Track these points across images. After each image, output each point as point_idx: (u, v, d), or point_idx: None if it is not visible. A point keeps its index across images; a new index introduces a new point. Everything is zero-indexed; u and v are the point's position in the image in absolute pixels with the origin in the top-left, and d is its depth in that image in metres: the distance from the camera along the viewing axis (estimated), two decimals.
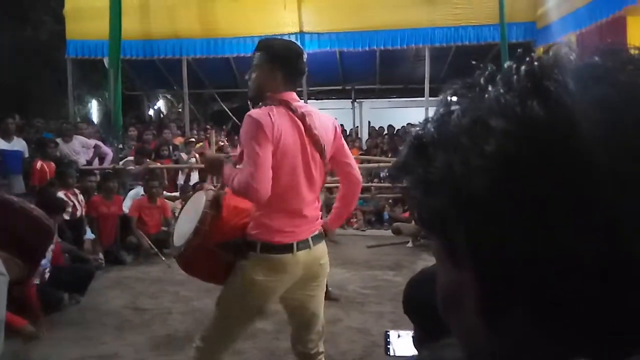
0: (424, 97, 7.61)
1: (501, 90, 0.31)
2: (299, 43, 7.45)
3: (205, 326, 2.01)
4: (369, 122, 11.92)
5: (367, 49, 7.45)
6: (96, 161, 6.75)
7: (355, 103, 11.42)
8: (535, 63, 0.32)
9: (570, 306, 0.30)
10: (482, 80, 0.33)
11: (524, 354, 0.32)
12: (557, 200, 0.29)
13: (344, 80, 10.13)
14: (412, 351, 1.28)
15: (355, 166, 2.09)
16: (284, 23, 7.20)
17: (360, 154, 8.83)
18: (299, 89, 8.23)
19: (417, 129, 0.35)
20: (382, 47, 7.51)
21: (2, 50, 7.99)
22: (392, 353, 1.37)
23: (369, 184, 8.12)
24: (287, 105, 1.86)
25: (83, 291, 3.96)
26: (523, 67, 0.32)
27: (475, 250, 0.31)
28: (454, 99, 0.34)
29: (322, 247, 1.99)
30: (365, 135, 11.21)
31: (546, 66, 0.31)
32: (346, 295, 4.20)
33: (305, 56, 1.96)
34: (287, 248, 1.87)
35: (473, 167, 0.30)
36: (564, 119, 0.29)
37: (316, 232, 1.96)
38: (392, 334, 1.37)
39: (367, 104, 12.17)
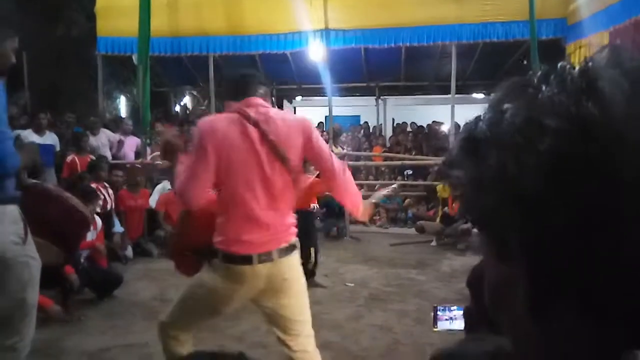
0: (449, 94, 7.50)
1: (555, 90, 0.32)
2: (323, 40, 7.37)
3: (169, 311, 2.06)
4: (393, 119, 11.84)
5: (392, 45, 7.39)
6: (129, 155, 6.88)
7: (380, 100, 11.36)
8: (589, 63, 0.32)
9: (619, 300, 0.30)
10: (535, 80, 0.34)
11: (573, 345, 0.32)
12: (610, 199, 0.29)
13: (368, 77, 10.07)
14: (459, 326, 1.29)
15: (330, 158, 1.99)
16: (309, 20, 7.20)
17: (384, 151, 8.79)
18: (317, 85, 8.20)
19: (469, 126, 0.36)
20: (407, 44, 7.43)
21: (36, 47, 8.22)
22: (439, 328, 1.40)
23: (393, 182, 8.08)
24: (242, 112, 1.86)
25: (107, 295, 4.02)
26: (577, 67, 0.32)
27: (528, 246, 0.32)
28: (507, 97, 0.35)
29: (288, 261, 1.92)
30: (389, 133, 11.14)
31: (599, 66, 0.32)
32: (369, 293, 4.21)
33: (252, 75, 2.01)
34: (246, 259, 1.84)
35: (527, 165, 0.31)
36: (618, 118, 0.29)
37: (282, 245, 1.90)
38: (440, 308, 1.39)
39: (392, 101, 12.09)
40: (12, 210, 1.95)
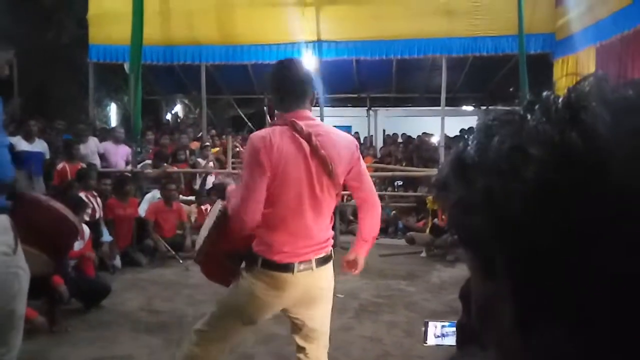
0: (439, 106, 7.59)
1: (540, 120, 0.33)
2: (315, 51, 7.44)
3: (204, 319, 2.02)
4: (384, 130, 11.93)
5: (384, 57, 7.47)
6: (120, 164, 6.82)
7: (371, 111, 11.44)
8: (572, 94, 0.34)
9: (605, 325, 0.31)
10: (522, 109, 0.35)
11: None
12: (591, 226, 0.30)
13: (359, 88, 10.16)
14: (450, 342, 1.29)
15: (371, 189, 2.03)
16: (302, 31, 7.27)
17: (374, 162, 8.83)
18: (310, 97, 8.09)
19: (458, 150, 0.37)
20: (399, 56, 7.52)
21: (26, 53, 8.17)
22: (429, 343, 1.39)
23: (383, 193, 8.11)
24: (293, 125, 1.84)
25: (94, 305, 3.96)
26: (561, 98, 0.34)
27: (513, 266, 0.33)
28: (494, 124, 0.36)
29: (325, 272, 1.96)
30: (380, 144, 11.21)
31: (583, 98, 0.33)
32: (359, 304, 4.20)
33: (300, 66, 1.97)
34: (288, 267, 1.87)
35: (512, 191, 0.32)
36: (600, 148, 0.31)
37: (322, 255, 1.93)
38: (431, 324, 1.39)
39: (383, 112, 12.19)
40: (2, 220, 1.93)
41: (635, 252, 0.30)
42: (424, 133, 10.51)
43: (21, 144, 5.59)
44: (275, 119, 1.93)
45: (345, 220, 7.58)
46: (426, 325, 1.37)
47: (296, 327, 2.04)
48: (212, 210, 2.25)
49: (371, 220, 2.05)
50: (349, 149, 1.94)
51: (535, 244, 0.32)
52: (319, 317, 2.02)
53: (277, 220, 1.86)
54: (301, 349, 2.04)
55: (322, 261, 1.93)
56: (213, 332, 1.98)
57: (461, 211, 0.36)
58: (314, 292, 1.95)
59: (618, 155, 0.30)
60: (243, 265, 1.96)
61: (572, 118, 0.32)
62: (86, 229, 4.28)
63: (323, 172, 1.86)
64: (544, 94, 0.36)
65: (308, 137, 1.83)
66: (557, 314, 0.32)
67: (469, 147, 0.37)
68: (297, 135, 1.84)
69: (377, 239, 2.15)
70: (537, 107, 0.35)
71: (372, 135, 11.47)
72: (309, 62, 7.58)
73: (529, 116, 0.34)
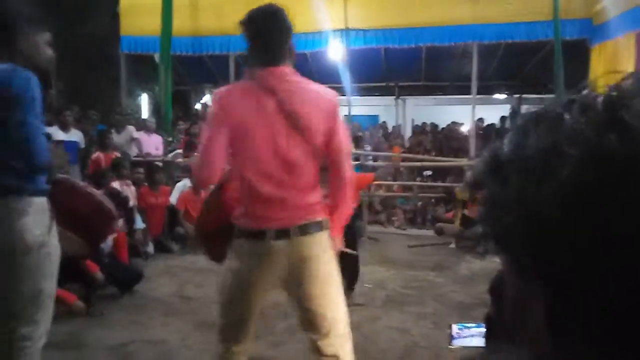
0: (470, 94, 7.43)
1: (578, 119, 0.33)
2: (343, 40, 7.32)
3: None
4: (412, 119, 11.78)
5: (413, 46, 7.35)
6: (152, 153, 6.97)
7: (399, 100, 11.30)
8: (614, 92, 0.33)
9: (632, 333, 0.30)
10: (560, 106, 0.35)
11: None
12: (625, 230, 0.30)
13: (387, 77, 10.04)
14: (477, 344, 1.28)
15: (344, 159, 1.81)
16: (329, 20, 7.21)
17: (402, 152, 8.75)
18: (336, 85, 8.15)
19: (494, 147, 0.37)
20: (428, 44, 7.39)
21: (62, 45, 8.41)
22: (455, 345, 1.38)
23: (412, 183, 8.04)
24: (258, 79, 1.71)
25: (128, 290, 4.08)
26: (600, 97, 0.33)
27: (545, 267, 0.33)
28: (531, 122, 0.35)
29: (309, 241, 1.75)
30: (408, 133, 11.09)
31: (624, 96, 0.32)
32: (386, 294, 4.20)
33: (278, 18, 1.73)
34: (259, 235, 1.73)
35: (547, 191, 0.32)
36: (638, 150, 0.30)
37: (303, 222, 1.75)
38: (458, 326, 1.38)
39: (411, 101, 12.02)
40: (41, 202, 2.01)
41: None
42: (453, 122, 10.34)
43: (58, 134, 5.77)
44: (244, 74, 1.79)
45: (372, 210, 7.56)
46: (451, 328, 1.35)
47: (300, 316, 1.85)
48: None
49: (337, 194, 1.83)
50: (328, 105, 1.76)
51: (568, 246, 0.31)
52: (318, 297, 1.78)
53: (245, 183, 1.74)
54: (314, 345, 1.82)
55: (304, 229, 1.74)
56: (224, 321, 1.85)
57: (495, 209, 0.36)
58: (297, 263, 1.75)
59: None
60: None
61: (611, 118, 0.31)
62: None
63: (292, 130, 1.70)
64: (584, 91, 0.35)
65: (272, 91, 1.69)
66: (587, 319, 0.32)
67: (505, 144, 0.36)
68: (261, 90, 1.70)
69: (348, 219, 1.89)
70: (575, 105, 0.34)
71: (400, 125, 11.34)
72: (337, 50, 7.53)
73: (566, 115, 0.33)
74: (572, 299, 0.32)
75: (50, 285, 2.06)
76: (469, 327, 1.37)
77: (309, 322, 1.82)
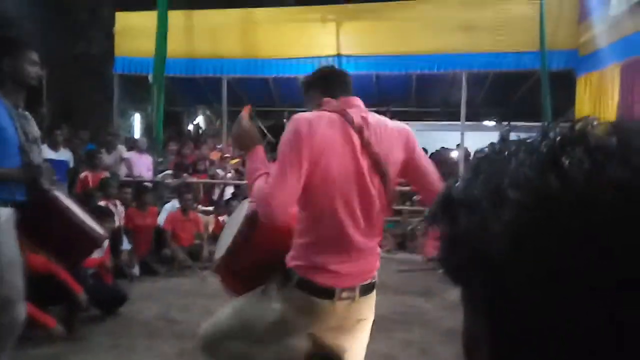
0: (459, 121, 7.55)
1: (522, 162, 0.34)
2: (335, 65, 7.49)
3: (211, 330, 1.71)
4: None
5: (403, 72, 7.48)
6: (143, 173, 6.93)
7: None
8: (558, 138, 0.34)
9: None
10: (510, 148, 0.36)
11: None
12: (563, 271, 0.31)
13: (379, 102, 10.17)
14: None
15: (436, 171, 1.66)
16: (322, 46, 7.34)
17: None
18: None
19: (450, 183, 0.38)
20: (418, 72, 7.52)
21: (55, 64, 8.44)
22: None
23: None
24: (344, 113, 1.53)
25: (111, 313, 4.02)
26: (545, 141, 0.34)
27: (489, 304, 0.34)
28: (485, 161, 0.37)
29: (368, 302, 1.62)
30: None
31: (567, 142, 0.33)
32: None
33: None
34: (328, 293, 1.52)
35: (490, 231, 0.33)
36: (576, 196, 0.31)
37: (367, 281, 1.58)
38: None
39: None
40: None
41: (611, 299, 0.30)
42: (442, 147, 10.44)
43: (47, 152, 5.74)
44: (322, 105, 1.61)
45: None
46: None
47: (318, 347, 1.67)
48: (236, 213, 1.96)
49: None
50: (404, 142, 1.60)
51: (510, 285, 0.32)
52: (354, 350, 1.66)
53: (320, 225, 1.51)
54: None
55: (367, 289, 1.59)
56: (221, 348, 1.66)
57: (446, 246, 0.37)
58: (351, 324, 1.61)
59: (593, 206, 0.31)
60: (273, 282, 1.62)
61: (553, 162, 0.33)
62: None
63: (375, 173, 1.53)
64: (534, 135, 0.37)
65: (359, 129, 1.52)
66: (529, 355, 0.33)
67: (458, 182, 0.37)
68: (347, 125, 1.51)
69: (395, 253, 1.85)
70: (523, 147, 0.35)
71: None
72: None
73: (514, 156, 0.35)
74: (513, 341, 0.33)
75: (3, 291, 2.10)
76: None
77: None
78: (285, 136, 1.51)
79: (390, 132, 1.60)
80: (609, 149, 0.32)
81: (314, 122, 1.51)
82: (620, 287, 0.30)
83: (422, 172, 1.64)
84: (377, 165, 1.53)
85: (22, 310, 2.22)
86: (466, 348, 0.39)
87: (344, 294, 1.53)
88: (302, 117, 1.53)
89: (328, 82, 1.66)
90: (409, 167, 1.62)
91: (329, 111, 1.56)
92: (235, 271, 1.76)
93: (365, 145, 1.52)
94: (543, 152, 0.34)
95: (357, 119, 1.54)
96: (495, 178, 0.34)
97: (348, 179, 1.51)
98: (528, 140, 0.36)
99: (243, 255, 1.68)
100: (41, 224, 2.20)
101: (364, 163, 1.52)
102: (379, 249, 1.64)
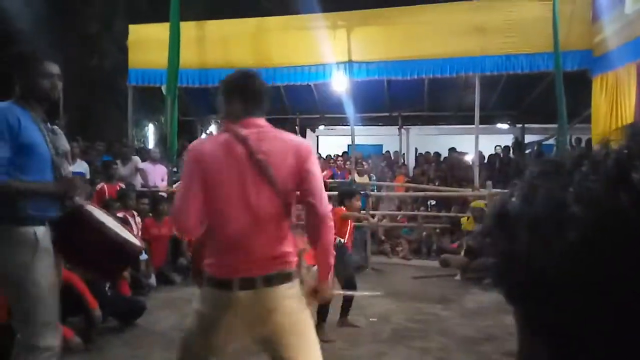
0: (473, 124, 7.48)
1: (587, 177, 0.32)
2: (346, 72, 7.46)
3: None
4: (416, 148, 11.81)
5: (415, 77, 7.45)
6: (158, 183, 7.00)
7: (402, 130, 11.38)
8: (625, 151, 0.32)
9: None
10: (569, 163, 0.34)
11: None
12: (632, 295, 0.29)
13: (391, 107, 10.13)
14: None
15: (321, 196, 1.78)
16: (333, 53, 7.35)
17: (406, 181, 8.75)
18: (340, 115, 8.24)
19: (503, 199, 0.37)
20: (430, 76, 7.48)
21: (71, 77, 8.61)
22: None
23: (416, 213, 8.00)
24: (232, 130, 1.78)
25: (129, 324, 4.06)
26: (611, 155, 0.33)
27: (552, 325, 0.33)
28: (541, 176, 0.35)
29: (276, 291, 1.75)
30: (412, 162, 11.09)
31: (635, 156, 0.32)
32: (391, 328, 4.12)
33: (256, 79, 1.87)
34: (226, 284, 1.73)
35: (555, 251, 0.31)
36: None
37: (269, 273, 1.75)
38: None
39: (414, 130, 12.09)
40: (23, 232, 2.06)
41: None
42: (452, 149, 10.33)
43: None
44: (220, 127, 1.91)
45: (376, 240, 7.51)
46: None
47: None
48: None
49: (317, 235, 1.79)
50: (295, 152, 1.77)
51: (575, 304, 0.31)
52: (290, 348, 1.77)
53: (216, 232, 1.78)
54: None
55: (270, 280, 1.74)
56: (182, 356, 1.86)
57: (504, 264, 0.36)
58: (263, 315, 1.75)
59: None
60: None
61: (622, 178, 0.31)
62: None
63: (262, 179, 1.74)
64: (595, 148, 0.35)
65: (243, 140, 1.75)
66: None
67: (514, 198, 0.36)
68: (233, 139, 1.76)
69: (333, 265, 1.85)
70: (585, 161, 0.33)
71: (403, 154, 11.38)
72: (340, 82, 7.64)
73: (576, 171, 0.33)
74: (578, 358, 0.32)
75: (42, 314, 2.08)
76: None
77: None
78: (185, 162, 1.86)
79: (285, 143, 1.80)
80: None
81: (201, 144, 1.86)
82: None
83: (307, 183, 1.77)
84: (263, 171, 1.74)
85: (59, 332, 2.21)
86: None
87: (242, 283, 1.73)
88: (195, 144, 1.87)
89: (248, 99, 1.83)
90: (299, 175, 1.77)
91: (222, 132, 1.84)
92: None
93: (250, 154, 1.74)
94: (609, 167, 0.32)
95: (246, 133, 1.77)
96: (557, 193, 0.33)
97: (231, 185, 1.74)
98: (590, 153, 0.34)
99: (197, 263, 1.95)
100: (76, 240, 2.19)
101: (249, 170, 1.74)
102: (285, 248, 1.79)
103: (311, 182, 1.78)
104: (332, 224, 1.82)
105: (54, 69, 2.25)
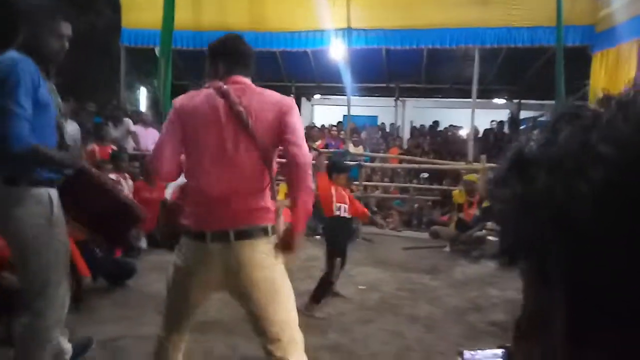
0: (470, 98, 7.42)
1: (615, 116, 0.30)
2: (345, 39, 7.32)
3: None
4: (411, 121, 11.76)
5: (414, 47, 7.33)
6: (150, 147, 6.92)
7: (399, 101, 11.29)
8: None
9: None
10: (595, 103, 0.32)
11: None
12: None
13: (388, 78, 10.01)
14: None
15: (301, 144, 1.77)
16: (331, 19, 7.19)
17: (400, 154, 8.73)
18: (337, 84, 8.15)
19: (519, 144, 0.35)
20: (430, 46, 7.37)
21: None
22: None
23: (408, 185, 8.02)
24: (216, 86, 1.80)
25: (120, 285, 4.08)
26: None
27: (573, 274, 0.31)
28: (562, 119, 0.33)
29: (249, 244, 1.76)
30: (406, 135, 11.06)
31: None
32: (380, 297, 4.17)
33: (239, 40, 1.93)
34: (199, 236, 1.78)
35: (578, 192, 0.29)
36: None
37: (244, 226, 1.76)
38: (467, 353, 1.33)
39: (411, 102, 12.01)
40: (39, 193, 1.99)
41: None
42: (451, 125, 10.32)
43: None
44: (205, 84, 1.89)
45: (369, 211, 7.54)
46: (462, 355, 1.31)
47: (251, 322, 1.86)
48: None
49: (297, 182, 1.76)
50: (278, 107, 1.78)
51: (599, 251, 0.29)
52: (261, 302, 1.78)
53: (193, 183, 1.81)
54: (265, 350, 1.82)
55: (244, 233, 1.75)
56: (166, 312, 1.94)
57: (519, 210, 0.33)
58: (234, 267, 1.76)
59: None
60: None
61: None
62: None
63: (241, 131, 1.75)
64: (624, 89, 0.32)
65: (224, 94, 1.77)
66: (613, 327, 0.30)
67: (532, 141, 0.34)
68: (215, 94, 1.79)
69: (309, 214, 1.80)
70: (613, 102, 0.31)
71: (399, 126, 11.32)
72: (338, 50, 7.50)
73: (602, 111, 0.31)
74: (597, 309, 0.30)
75: (56, 275, 2.06)
76: (477, 353, 1.32)
77: (258, 327, 1.82)
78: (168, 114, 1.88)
79: (266, 97, 1.81)
80: None
81: (185, 98, 1.85)
82: None
83: (287, 135, 1.76)
84: (242, 123, 1.74)
85: (67, 287, 2.20)
86: (530, 324, 0.36)
87: (216, 235, 1.76)
88: (179, 97, 1.87)
89: (228, 61, 1.86)
90: (280, 127, 1.77)
91: (206, 88, 1.83)
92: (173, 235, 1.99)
93: (231, 106, 1.76)
94: (639, 107, 0.30)
95: (226, 87, 1.79)
96: (582, 134, 0.31)
97: (210, 138, 1.76)
98: (616, 97, 0.32)
99: (171, 217, 1.99)
100: (85, 201, 2.15)
101: (229, 123, 1.75)
102: (262, 202, 1.79)
103: (292, 132, 1.77)
104: (311, 174, 1.79)
105: (68, 29, 2.13)
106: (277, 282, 1.81)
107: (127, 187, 5.24)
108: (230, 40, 1.92)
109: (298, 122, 1.81)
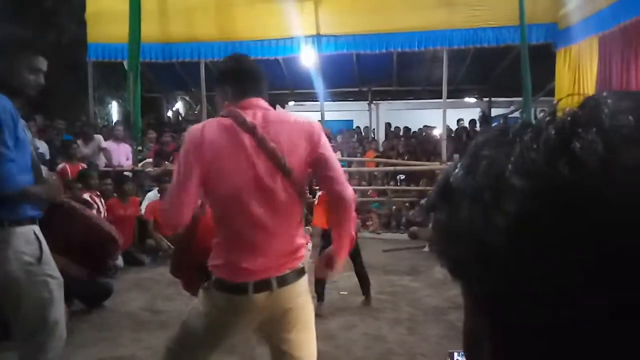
0: (441, 98, 7.54)
1: (528, 146, 0.30)
2: (315, 46, 7.37)
3: (175, 335, 1.80)
4: (386, 123, 11.87)
5: (384, 51, 7.41)
6: (122, 162, 6.80)
7: (372, 105, 11.38)
8: (568, 118, 0.31)
9: None
10: (513, 131, 0.33)
11: None
12: (570, 267, 0.28)
13: (360, 82, 10.09)
14: None
15: (343, 181, 1.67)
16: (301, 26, 7.21)
17: (376, 156, 8.80)
18: (310, 90, 8.19)
19: (448, 170, 0.35)
20: (399, 49, 7.46)
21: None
22: None
23: (385, 187, 8.08)
24: (235, 116, 1.61)
25: (97, 306, 3.99)
26: (554, 123, 0.31)
27: (491, 303, 0.32)
28: (486, 145, 0.33)
29: (292, 289, 1.67)
30: (382, 137, 11.15)
31: (577, 123, 0.30)
32: (361, 301, 4.18)
33: (247, 59, 1.80)
34: (241, 289, 1.61)
35: (493, 223, 0.30)
36: (588, 183, 0.28)
37: (285, 272, 1.65)
38: (457, 354, 1.33)
39: (384, 105, 12.12)
40: (25, 232, 1.96)
41: (618, 293, 0.27)
42: (425, 126, 10.45)
43: None
44: (223, 110, 1.71)
45: None
46: (451, 356, 1.32)
47: (272, 353, 1.77)
48: None
49: (343, 219, 1.69)
50: (306, 134, 1.63)
51: (513, 280, 0.30)
52: (296, 341, 1.72)
53: (222, 228, 1.63)
54: None
55: (286, 279, 1.64)
56: (181, 350, 1.75)
57: (445, 237, 0.34)
58: (279, 313, 1.68)
59: (608, 194, 0.27)
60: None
61: (563, 146, 0.29)
62: None
63: (275, 168, 1.59)
64: (540, 116, 0.33)
65: (252, 129, 1.59)
66: (532, 353, 0.31)
67: (458, 169, 0.34)
68: (238, 127, 1.59)
69: (355, 239, 1.82)
70: (529, 130, 0.32)
71: (374, 129, 11.41)
72: (309, 56, 7.53)
73: (518, 140, 0.31)
74: (516, 335, 0.31)
75: (54, 312, 2.03)
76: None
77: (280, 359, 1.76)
78: (182, 148, 1.64)
79: (293, 125, 1.65)
80: (626, 130, 0.29)
81: (201, 129, 1.61)
82: (635, 286, 0.27)
83: (324, 165, 1.65)
84: (275, 160, 1.59)
85: (64, 327, 2.13)
86: (467, 345, 0.37)
87: (259, 286, 1.61)
88: (193, 129, 1.64)
89: (239, 81, 1.70)
90: (314, 159, 1.65)
91: (223, 116, 1.64)
92: (188, 272, 1.91)
93: (260, 143, 1.59)
94: (551, 135, 0.30)
95: (250, 119, 1.61)
96: (498, 164, 0.31)
97: (242, 179, 1.58)
98: (534, 122, 0.32)
99: (187, 256, 1.85)
100: (62, 233, 2.11)
101: (260, 160, 1.59)
102: (299, 240, 1.69)
103: (332, 169, 1.65)
104: (353, 211, 1.71)
105: (43, 64, 2.04)
106: (310, 320, 1.77)
107: (100, 205, 5.13)
108: (238, 59, 1.77)
109: (331, 152, 1.69)
